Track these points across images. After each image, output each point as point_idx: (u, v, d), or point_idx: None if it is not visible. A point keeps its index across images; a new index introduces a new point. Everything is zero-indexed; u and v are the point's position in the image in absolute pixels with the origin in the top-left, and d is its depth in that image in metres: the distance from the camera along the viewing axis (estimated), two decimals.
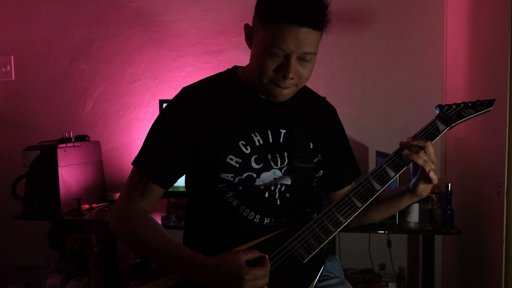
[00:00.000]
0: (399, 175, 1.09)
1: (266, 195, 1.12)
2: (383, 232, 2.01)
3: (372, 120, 2.31)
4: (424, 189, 1.10)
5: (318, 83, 1.27)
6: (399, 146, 1.09)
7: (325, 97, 1.33)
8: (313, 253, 1.03)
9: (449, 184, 1.94)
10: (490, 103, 1.18)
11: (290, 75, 1.03)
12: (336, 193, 1.29)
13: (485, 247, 1.84)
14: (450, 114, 1.15)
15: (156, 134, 1.15)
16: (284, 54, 1.02)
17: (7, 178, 2.30)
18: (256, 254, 0.99)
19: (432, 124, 1.13)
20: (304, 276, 1.04)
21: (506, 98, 1.60)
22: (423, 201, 2.06)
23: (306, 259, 1.03)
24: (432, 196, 2.06)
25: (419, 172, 1.09)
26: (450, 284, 2.34)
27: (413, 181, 1.11)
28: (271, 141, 1.14)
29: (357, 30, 2.37)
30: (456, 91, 2.20)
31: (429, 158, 1.05)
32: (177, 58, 2.54)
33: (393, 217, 1.92)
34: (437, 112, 1.16)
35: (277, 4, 0.99)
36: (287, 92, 1.09)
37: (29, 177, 2.17)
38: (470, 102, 1.17)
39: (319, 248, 1.03)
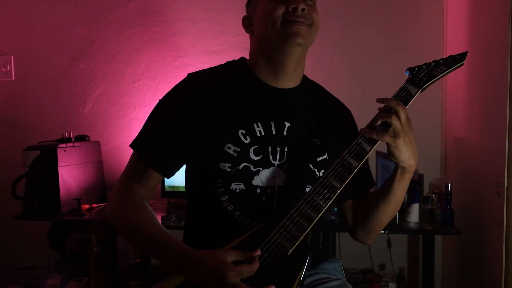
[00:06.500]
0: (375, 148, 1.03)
1: (264, 199, 1.09)
2: (383, 232, 2.01)
3: None
4: (401, 153, 1.01)
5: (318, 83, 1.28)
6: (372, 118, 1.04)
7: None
8: (297, 243, 0.99)
9: (449, 184, 1.94)
10: (462, 57, 1.12)
11: (301, 5, 1.05)
12: (347, 203, 1.22)
13: (485, 247, 1.84)
14: (421, 75, 1.09)
15: (158, 118, 1.13)
16: None
17: (7, 178, 2.30)
18: (245, 256, 0.95)
19: (404, 89, 1.07)
20: (291, 268, 1.01)
21: (506, 98, 1.60)
22: (423, 201, 2.06)
23: (291, 250, 0.99)
24: (432, 196, 2.06)
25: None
26: (450, 284, 2.34)
27: (387, 150, 1.05)
28: (273, 133, 1.11)
29: (357, 30, 2.37)
30: (456, 91, 2.20)
31: (400, 121, 1.00)
32: (177, 58, 2.54)
33: (393, 217, 1.92)
34: (408, 75, 1.11)
35: None
36: (303, 29, 1.07)
37: (29, 177, 2.17)
38: (441, 59, 1.12)
39: (302, 236, 1.00)
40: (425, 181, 2.21)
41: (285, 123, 1.13)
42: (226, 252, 0.94)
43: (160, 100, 1.16)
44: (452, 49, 2.26)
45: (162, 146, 1.09)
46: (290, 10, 1.06)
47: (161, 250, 1.01)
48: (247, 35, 1.17)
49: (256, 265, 0.95)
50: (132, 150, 1.14)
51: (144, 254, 2.45)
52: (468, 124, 2.06)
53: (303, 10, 1.06)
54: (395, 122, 0.99)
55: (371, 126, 1.03)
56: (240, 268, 0.92)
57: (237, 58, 1.24)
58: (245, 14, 1.20)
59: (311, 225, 0.99)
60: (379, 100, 1.03)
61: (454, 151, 2.28)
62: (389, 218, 1.16)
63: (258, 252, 0.96)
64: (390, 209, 1.13)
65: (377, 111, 1.06)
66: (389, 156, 1.05)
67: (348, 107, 1.30)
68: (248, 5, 1.19)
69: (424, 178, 2.21)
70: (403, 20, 2.37)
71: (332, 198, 1.00)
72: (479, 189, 1.91)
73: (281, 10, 1.06)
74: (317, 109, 1.19)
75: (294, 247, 0.99)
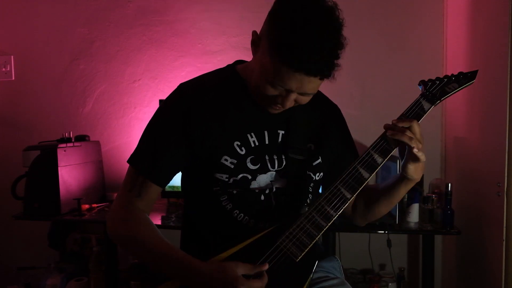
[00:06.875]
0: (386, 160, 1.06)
1: (262, 197, 1.10)
2: (383, 232, 2.01)
3: (372, 120, 2.28)
4: (415, 171, 1.07)
5: None
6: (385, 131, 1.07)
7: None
8: (306, 250, 1.00)
9: (449, 184, 1.94)
10: (473, 75, 1.15)
11: (288, 106, 1.04)
12: None
13: (485, 247, 1.84)
14: (434, 91, 1.11)
15: (152, 132, 1.14)
16: (286, 89, 1.01)
17: (7, 178, 2.30)
18: (255, 270, 0.97)
19: (417, 103, 1.10)
20: (298, 275, 1.02)
21: (506, 98, 1.60)
22: (423, 201, 2.06)
23: (299, 258, 1.00)
24: (432, 196, 2.06)
25: (406, 152, 1.06)
26: (450, 284, 2.34)
27: (402, 163, 1.08)
28: (267, 142, 1.12)
29: (357, 30, 2.37)
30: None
31: (415, 137, 1.02)
32: (177, 58, 2.54)
33: (393, 217, 1.92)
34: (421, 89, 1.13)
35: (288, 47, 0.94)
36: (283, 110, 1.09)
37: (29, 177, 2.17)
38: (453, 75, 1.15)
39: (312, 244, 1.01)
40: (425, 181, 2.21)
41: (279, 131, 1.14)
42: (236, 265, 0.95)
43: (154, 114, 1.17)
44: (452, 49, 2.26)
45: (160, 160, 1.10)
46: (278, 102, 1.04)
47: (166, 263, 1.02)
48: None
49: (265, 280, 0.96)
50: (128, 158, 1.14)
51: None
52: (468, 124, 2.06)
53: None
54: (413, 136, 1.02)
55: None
56: (251, 283, 0.94)
57: (237, 58, 1.24)
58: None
59: (321, 233, 1.01)
60: (396, 121, 1.06)
61: (454, 151, 2.28)
62: (388, 210, 1.25)
63: (266, 267, 0.97)
64: (391, 205, 1.21)
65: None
66: (402, 171, 1.09)
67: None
68: (267, 21, 1.04)
69: (424, 178, 2.21)
70: (403, 20, 2.37)
71: (342, 208, 1.02)
72: (479, 189, 1.91)
73: (269, 93, 1.02)
74: (308, 113, 1.19)
75: (303, 254, 1.00)
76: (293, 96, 1.02)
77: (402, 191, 1.14)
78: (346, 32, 1.08)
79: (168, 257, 1.01)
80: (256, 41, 1.05)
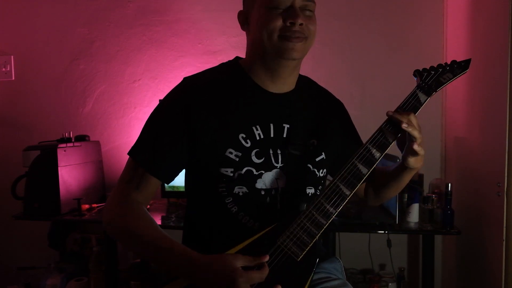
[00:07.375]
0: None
1: (268, 200, 1.09)
2: (383, 232, 2.01)
3: (372, 120, 2.29)
4: (415, 162, 1.09)
5: (318, 83, 1.28)
6: (382, 124, 1.07)
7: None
8: (306, 249, 1.00)
9: (449, 184, 1.94)
10: (466, 64, 1.16)
11: (299, 20, 1.04)
12: None
13: (485, 247, 1.84)
14: (429, 82, 1.12)
15: (154, 124, 1.13)
16: (286, 6, 1.05)
17: (7, 178, 2.30)
18: (255, 262, 0.95)
19: (413, 95, 1.10)
20: (300, 274, 1.02)
21: (506, 98, 1.60)
22: (423, 201, 2.06)
23: (300, 257, 1.00)
24: (432, 196, 2.06)
25: (405, 146, 1.07)
26: (450, 284, 2.34)
27: (402, 156, 1.10)
28: (272, 135, 1.11)
29: (357, 30, 2.37)
30: (456, 91, 2.20)
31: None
32: (177, 58, 2.54)
33: (393, 217, 1.92)
34: (416, 80, 1.13)
35: None
36: (298, 45, 1.06)
37: (29, 177, 2.17)
38: (446, 64, 1.15)
39: (312, 243, 1.00)
40: (425, 181, 2.21)
41: (284, 125, 1.13)
42: (235, 257, 0.94)
43: (156, 106, 1.16)
44: (452, 49, 2.26)
45: (161, 152, 1.09)
46: (288, 24, 1.04)
47: (165, 256, 1.01)
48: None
49: (266, 271, 0.95)
50: (127, 158, 1.13)
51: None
52: (468, 124, 2.06)
53: (300, 24, 1.05)
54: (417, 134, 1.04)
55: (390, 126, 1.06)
56: (250, 274, 0.92)
57: None
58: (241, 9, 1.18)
59: (321, 232, 1.01)
60: (392, 115, 1.05)
61: (454, 151, 2.28)
62: (398, 192, 1.31)
63: (267, 258, 0.96)
64: (400, 189, 1.26)
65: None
66: (402, 162, 1.10)
67: (348, 107, 1.31)
68: None
69: (424, 178, 2.21)
70: (403, 20, 2.37)
71: (342, 205, 1.02)
72: (479, 189, 1.91)
73: (278, 23, 1.05)
74: (312, 107, 1.20)
75: (304, 253, 1.00)
76: (298, 8, 1.05)
77: (407, 177, 1.18)
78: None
79: (168, 251, 1.00)
80: (245, 13, 1.13)
